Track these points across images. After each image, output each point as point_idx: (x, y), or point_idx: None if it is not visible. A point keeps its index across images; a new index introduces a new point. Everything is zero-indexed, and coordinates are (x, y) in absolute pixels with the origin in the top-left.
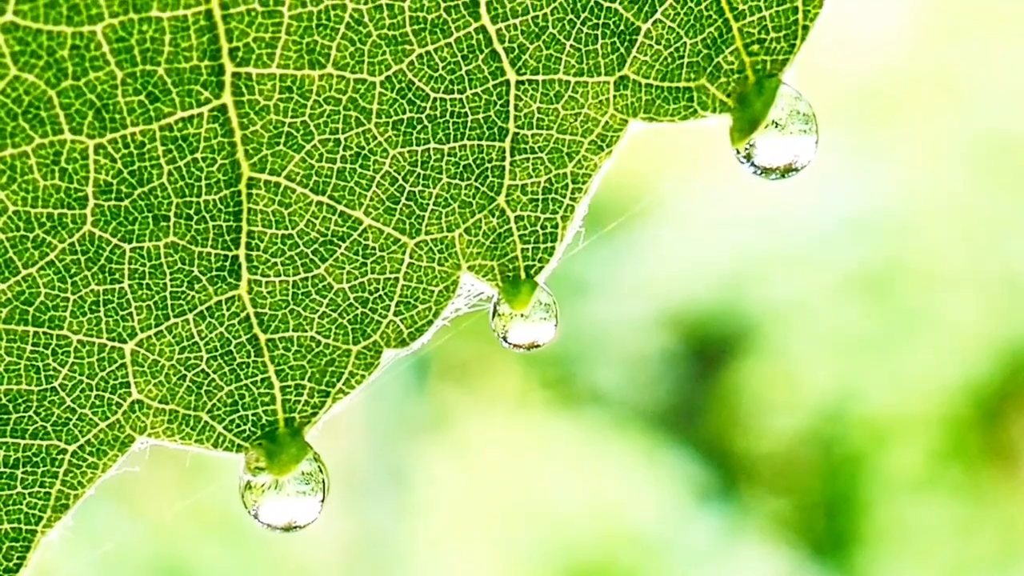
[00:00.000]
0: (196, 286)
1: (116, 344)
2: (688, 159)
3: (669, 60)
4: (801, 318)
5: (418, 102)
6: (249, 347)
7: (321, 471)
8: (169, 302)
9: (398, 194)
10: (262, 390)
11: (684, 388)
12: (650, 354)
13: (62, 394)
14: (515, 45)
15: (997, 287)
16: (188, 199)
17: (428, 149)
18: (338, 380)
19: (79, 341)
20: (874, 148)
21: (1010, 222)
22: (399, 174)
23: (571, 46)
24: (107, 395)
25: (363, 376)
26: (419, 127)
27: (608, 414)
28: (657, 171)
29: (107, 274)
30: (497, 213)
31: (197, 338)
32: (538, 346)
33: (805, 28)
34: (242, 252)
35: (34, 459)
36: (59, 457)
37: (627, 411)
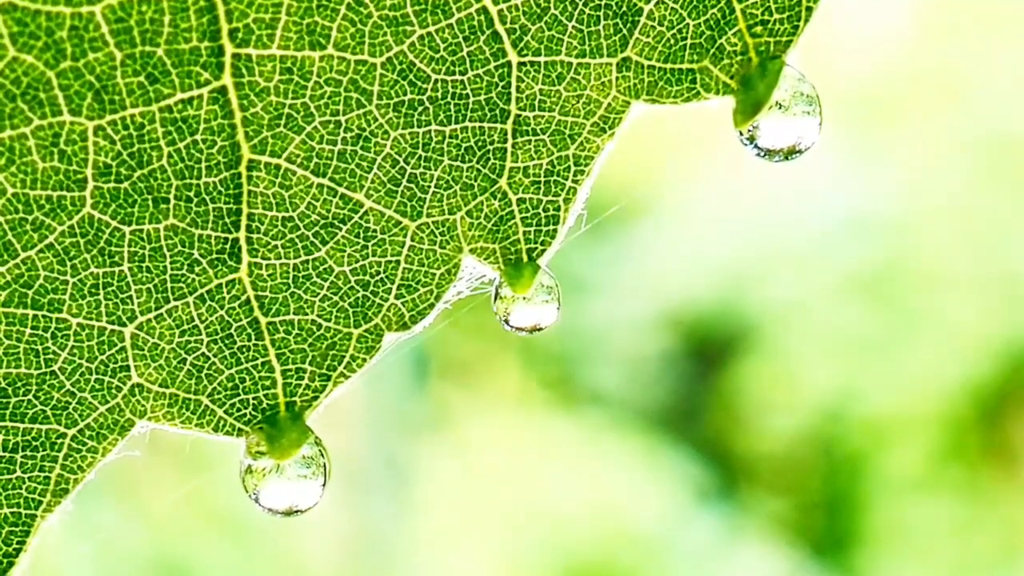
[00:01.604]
0: (196, 269)
1: (116, 327)
2: (688, 159)
3: (672, 41)
4: (801, 318)
5: (419, 83)
6: (250, 330)
7: (322, 455)
8: (169, 285)
9: (399, 176)
10: (263, 374)
11: (684, 388)
12: (650, 354)
13: (61, 378)
14: (517, 26)
15: (997, 287)
16: (188, 181)
17: (429, 131)
18: (339, 364)
19: (79, 324)
20: (874, 148)
21: (1010, 222)
22: (400, 156)
23: (573, 27)
24: (107, 379)
25: (364, 360)
26: (420, 109)
27: (608, 414)
28: (657, 171)
29: (106, 257)
30: (499, 195)
31: (197, 321)
32: (540, 329)
33: (808, 9)
34: (242, 235)
35: (33, 443)
36: (59, 441)
37: (627, 411)
